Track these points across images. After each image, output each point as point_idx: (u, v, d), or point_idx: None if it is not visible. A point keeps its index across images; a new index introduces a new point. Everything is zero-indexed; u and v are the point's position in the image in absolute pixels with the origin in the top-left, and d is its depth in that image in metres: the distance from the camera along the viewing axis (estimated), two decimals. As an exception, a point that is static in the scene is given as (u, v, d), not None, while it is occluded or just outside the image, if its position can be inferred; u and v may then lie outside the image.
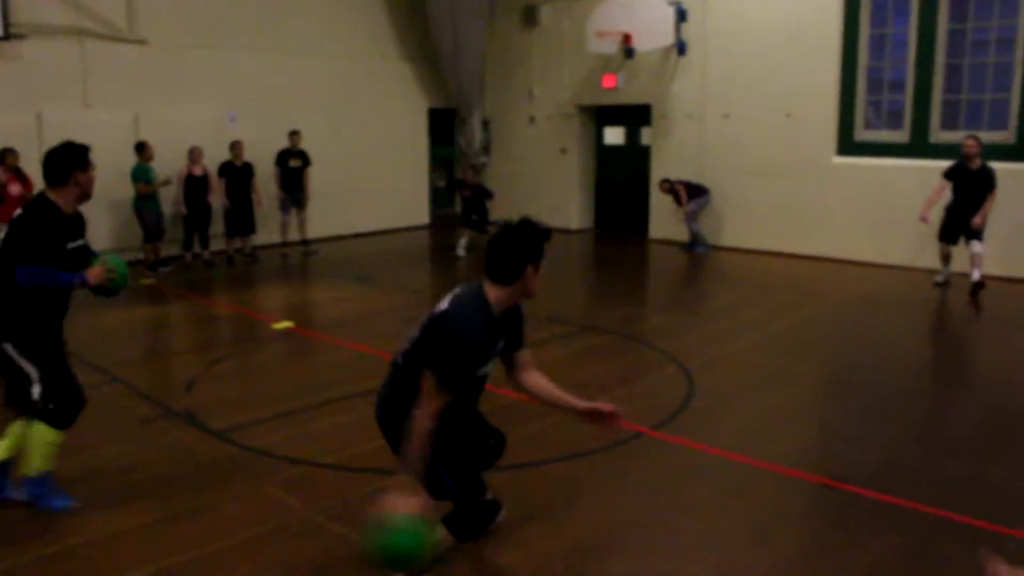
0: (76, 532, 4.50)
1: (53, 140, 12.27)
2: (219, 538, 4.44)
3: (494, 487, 4.19)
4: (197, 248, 12.70)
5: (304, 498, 4.91)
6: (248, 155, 12.91)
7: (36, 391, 4.57)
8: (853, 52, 12.38)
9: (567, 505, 4.85)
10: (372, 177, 15.65)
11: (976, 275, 10.14)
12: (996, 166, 10.75)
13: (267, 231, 13.59)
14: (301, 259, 13.45)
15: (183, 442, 5.81)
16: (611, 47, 14.05)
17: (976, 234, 10.28)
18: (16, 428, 4.75)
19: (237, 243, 13.13)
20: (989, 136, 11.34)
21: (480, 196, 13.98)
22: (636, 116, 15.25)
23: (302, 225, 13.78)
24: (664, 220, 14.60)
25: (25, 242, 4.40)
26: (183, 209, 12.37)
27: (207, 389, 6.97)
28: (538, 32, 16.10)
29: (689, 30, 13.76)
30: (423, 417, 3.46)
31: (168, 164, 12.19)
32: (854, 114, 12.52)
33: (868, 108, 12.57)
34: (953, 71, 11.74)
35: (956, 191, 10.49)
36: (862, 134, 12.52)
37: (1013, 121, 11.20)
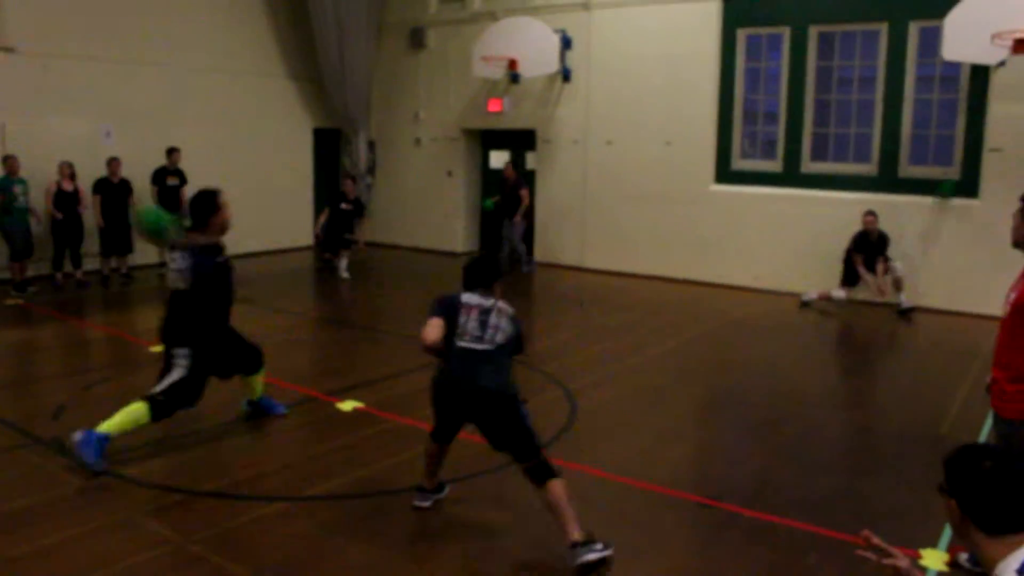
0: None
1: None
2: (86, 572, 4.24)
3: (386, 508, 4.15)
4: (69, 267, 12.17)
5: (181, 528, 4.75)
6: (125, 172, 12.48)
7: (163, 384, 5.75)
8: (730, 84, 12.88)
9: (450, 529, 4.84)
10: (254, 197, 15.30)
11: (904, 302, 11.05)
12: (860, 197, 11.40)
13: (144, 251, 13.13)
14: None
15: (47, 471, 5.55)
16: (497, 72, 14.21)
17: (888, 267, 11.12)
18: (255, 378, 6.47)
19: (113, 263, 12.65)
20: (854, 168, 11.98)
21: (358, 211, 13.98)
22: (521, 141, 15.43)
23: (181, 245, 13.37)
24: (548, 243, 14.80)
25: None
26: (57, 213, 11.76)
27: (78, 415, 6.64)
28: (425, 55, 16.14)
29: (573, 58, 14.05)
30: None
31: (38, 179, 11.67)
32: (731, 144, 13.00)
33: (744, 138, 13.08)
34: (821, 105, 12.35)
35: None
36: (739, 163, 13.01)
37: (875, 154, 11.84)
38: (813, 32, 12.18)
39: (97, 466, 5.42)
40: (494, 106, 15.03)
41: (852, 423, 7.09)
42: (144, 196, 12.83)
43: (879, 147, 11.82)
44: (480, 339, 4.65)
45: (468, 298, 4.77)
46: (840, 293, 11.38)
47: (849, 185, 11.90)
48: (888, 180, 11.70)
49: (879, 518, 5.07)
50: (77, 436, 5.49)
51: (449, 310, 4.74)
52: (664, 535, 4.86)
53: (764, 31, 12.64)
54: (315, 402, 7.09)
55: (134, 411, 5.64)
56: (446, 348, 4.69)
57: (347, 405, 6.93)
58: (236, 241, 15.26)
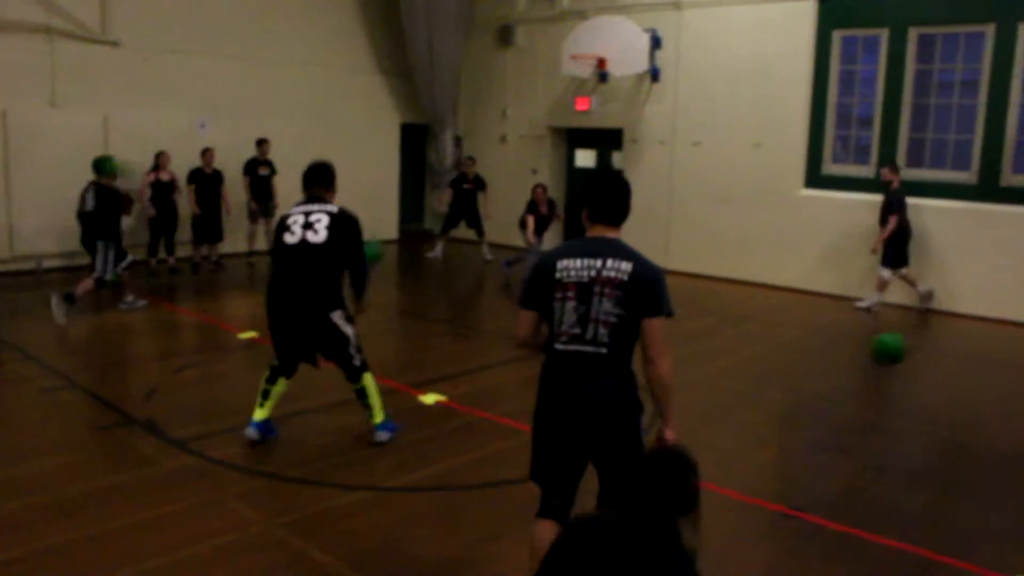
0: (14, 545, 4.39)
1: (18, 138, 12.17)
2: (174, 550, 4.36)
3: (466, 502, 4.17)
4: (163, 254, 12.55)
5: (265, 511, 4.86)
6: (217, 162, 12.80)
7: (354, 352, 5.75)
8: (823, 87, 12.58)
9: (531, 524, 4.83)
10: (341, 189, 15.44)
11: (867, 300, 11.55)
12: (958, 206, 11.03)
13: (233, 240, 13.47)
14: (267, 269, 13.33)
15: (141, 451, 5.73)
16: (585, 70, 14.16)
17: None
18: (280, 388, 5.93)
19: (204, 250, 13.00)
20: (952, 176, 11.58)
21: (479, 187, 14.90)
22: (608, 140, 15.34)
23: (269, 235, 13.68)
24: (630, 243, 14.67)
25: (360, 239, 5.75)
26: (151, 210, 12.17)
27: (169, 398, 6.88)
28: (513, 52, 16.18)
29: (663, 58, 13.90)
30: (669, 364, 3.50)
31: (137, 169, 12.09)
32: (822, 148, 12.70)
33: (836, 143, 12.76)
34: (919, 110, 11.96)
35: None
36: (830, 168, 12.70)
37: (975, 162, 11.42)
38: (913, 34, 11.80)
39: (397, 429, 5.99)
40: (582, 105, 14.96)
41: (943, 438, 6.84)
42: (234, 186, 13.14)
43: (980, 154, 11.40)
44: (580, 338, 3.45)
45: (565, 267, 3.50)
46: (884, 273, 11.29)
47: (946, 193, 11.51)
48: (988, 189, 11.27)
49: (973, 539, 4.89)
50: (383, 437, 5.89)
51: (540, 290, 3.56)
52: (746, 544, 4.77)
53: (861, 32, 12.31)
54: (397, 394, 7.16)
55: (372, 387, 5.86)
56: (546, 347, 3.61)
57: (429, 398, 6.99)
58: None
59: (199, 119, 13.50)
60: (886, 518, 5.10)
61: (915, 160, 11.98)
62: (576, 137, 16.11)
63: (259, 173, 13.28)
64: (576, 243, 3.62)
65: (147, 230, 12.38)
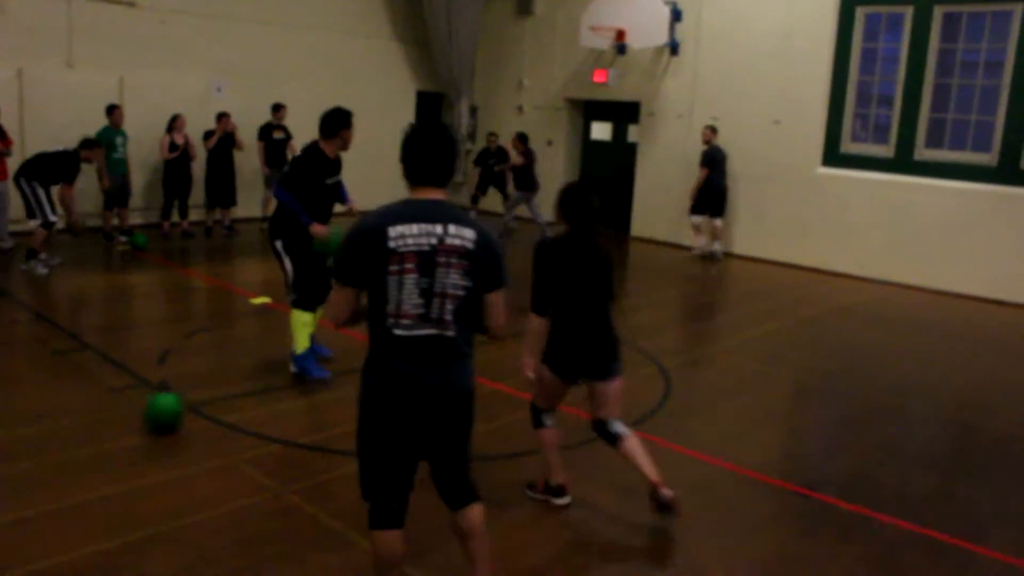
0: (24, 505, 4.40)
1: (34, 98, 12.13)
2: (187, 513, 4.38)
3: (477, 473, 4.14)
4: (176, 217, 12.53)
5: (277, 477, 4.87)
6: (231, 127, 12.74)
7: (289, 288, 6.40)
8: (844, 64, 12.43)
9: (542, 500, 4.83)
10: (355, 156, 15.40)
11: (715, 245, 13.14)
12: (977, 188, 10.90)
13: (247, 205, 13.44)
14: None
15: (155, 413, 5.74)
16: (604, 42, 14.02)
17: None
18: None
19: (217, 215, 12.98)
20: (972, 158, 11.45)
21: (501, 160, 14.89)
22: (624, 113, 15.24)
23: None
24: (646, 218, 14.65)
25: (294, 175, 6.30)
26: (171, 154, 12.05)
27: (182, 361, 6.89)
28: (532, 22, 16.04)
29: (683, 31, 13.76)
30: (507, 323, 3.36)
31: (151, 130, 12.04)
32: (841, 126, 12.58)
33: (856, 121, 12.62)
34: (941, 90, 11.80)
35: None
36: (848, 146, 12.58)
37: (996, 144, 11.29)
38: (938, 12, 11.63)
39: (314, 374, 6.42)
40: (599, 77, 14.83)
41: (957, 421, 6.82)
42: (250, 151, 13.07)
43: (1001, 136, 11.26)
44: (426, 318, 3.05)
45: (400, 235, 3.01)
46: (696, 219, 13.08)
47: (964, 175, 11.39)
48: (1008, 172, 11.14)
49: (985, 523, 4.88)
50: (292, 368, 6.49)
51: (366, 263, 3.04)
52: (757, 521, 4.76)
53: (884, 9, 12.13)
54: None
55: (296, 321, 6.35)
56: (371, 331, 3.14)
57: (442, 368, 6.97)
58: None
59: (215, 82, 13.43)
60: (897, 499, 5.09)
61: (935, 140, 11.85)
62: (593, 109, 16.00)
63: (274, 137, 13.21)
64: (404, 206, 3.15)
65: (161, 193, 12.36)
